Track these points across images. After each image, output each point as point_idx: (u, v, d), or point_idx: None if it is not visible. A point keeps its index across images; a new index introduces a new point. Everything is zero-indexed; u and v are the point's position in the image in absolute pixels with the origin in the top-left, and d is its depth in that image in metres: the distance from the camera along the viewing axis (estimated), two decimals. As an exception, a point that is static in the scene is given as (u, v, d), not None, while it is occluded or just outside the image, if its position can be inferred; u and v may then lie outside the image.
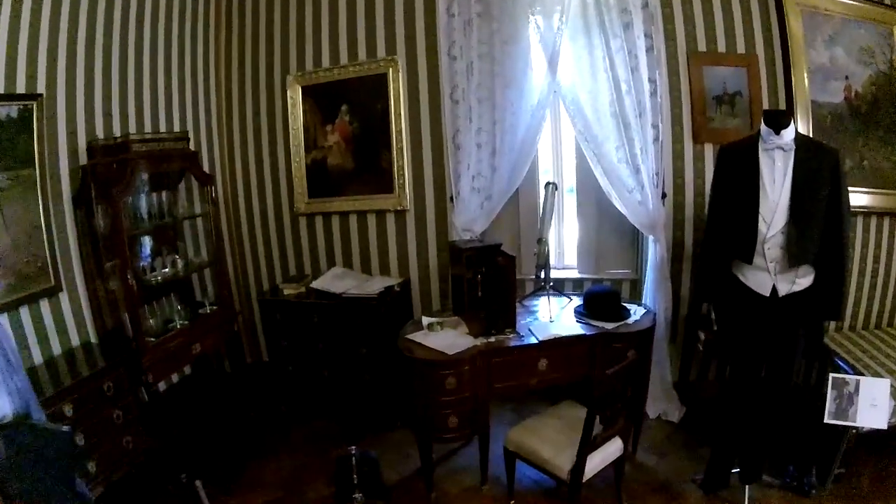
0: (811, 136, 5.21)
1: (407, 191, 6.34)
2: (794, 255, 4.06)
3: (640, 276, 5.88)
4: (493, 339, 4.71)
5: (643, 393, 5.25)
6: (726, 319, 4.67)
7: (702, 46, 5.56)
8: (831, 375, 4.16)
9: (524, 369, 4.69)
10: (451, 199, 5.95)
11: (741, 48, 5.54)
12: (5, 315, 4.47)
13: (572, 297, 5.60)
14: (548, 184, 5.45)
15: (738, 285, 4.32)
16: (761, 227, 4.09)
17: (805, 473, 4.55)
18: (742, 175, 4.18)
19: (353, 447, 4.76)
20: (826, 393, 4.16)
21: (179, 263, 5.71)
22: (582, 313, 5.04)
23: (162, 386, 5.86)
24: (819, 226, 4.05)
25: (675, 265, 5.83)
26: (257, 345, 7.38)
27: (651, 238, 5.50)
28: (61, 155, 5.04)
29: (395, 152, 6.28)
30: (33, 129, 4.70)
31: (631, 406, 4.39)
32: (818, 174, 4.01)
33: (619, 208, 5.53)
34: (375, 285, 6.07)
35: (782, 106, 5.51)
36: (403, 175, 6.31)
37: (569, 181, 6.30)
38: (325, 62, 6.50)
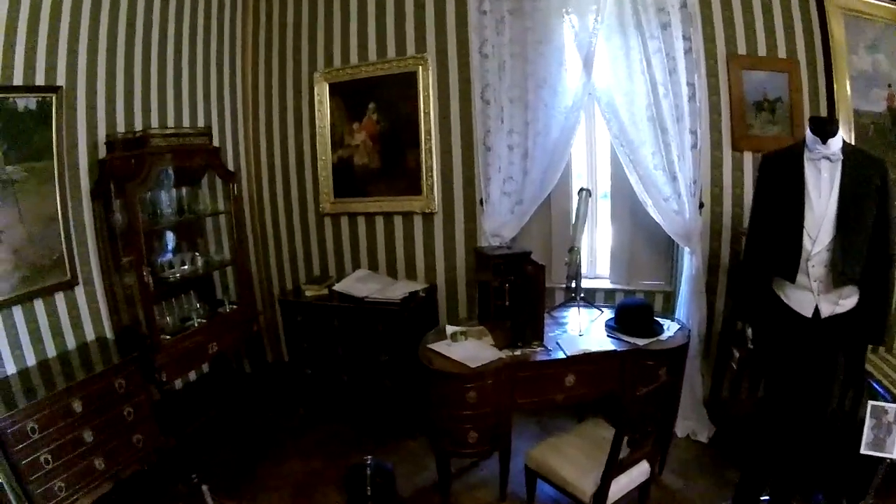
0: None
1: (435, 193, 6.12)
2: (839, 274, 3.75)
3: (675, 288, 5.59)
4: (518, 352, 4.47)
5: (673, 414, 4.97)
6: (764, 339, 4.33)
7: (741, 49, 5.26)
8: (870, 403, 3.80)
9: (550, 384, 4.44)
10: (481, 202, 5.71)
11: (782, 52, 5.23)
12: (19, 307, 4.53)
13: (603, 309, 5.34)
14: (581, 190, 5.21)
15: (778, 305, 4.01)
16: (806, 242, 3.79)
17: (835, 503, 4.27)
18: (786, 186, 3.89)
19: (369, 456, 4.62)
20: (863, 420, 3.80)
21: (199, 261, 5.71)
22: (613, 327, 4.78)
23: (178, 384, 5.92)
24: (866, 242, 3.75)
25: (711, 278, 5.53)
26: (279, 345, 7.19)
27: (686, 249, 5.20)
28: (80, 148, 5.00)
29: (423, 153, 6.06)
30: (52, 121, 4.67)
31: (660, 428, 4.10)
32: (866, 186, 3.71)
33: (655, 217, 5.25)
34: (399, 290, 5.83)
35: (823, 114, 5.17)
36: (432, 176, 6.09)
37: (603, 187, 6.00)
38: (354, 59, 6.32)
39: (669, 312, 5.53)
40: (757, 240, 4.14)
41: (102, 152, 5.14)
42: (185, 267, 5.54)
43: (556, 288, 5.90)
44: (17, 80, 4.49)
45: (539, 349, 4.50)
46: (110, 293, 5.22)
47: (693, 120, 5.01)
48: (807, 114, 5.16)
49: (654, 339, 4.57)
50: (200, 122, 6.27)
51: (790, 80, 5.21)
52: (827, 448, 4.23)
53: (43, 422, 3.90)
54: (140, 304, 5.01)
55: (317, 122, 6.49)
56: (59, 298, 4.84)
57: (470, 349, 4.54)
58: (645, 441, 3.86)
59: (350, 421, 6.01)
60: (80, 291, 5.00)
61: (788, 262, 3.86)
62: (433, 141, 6.03)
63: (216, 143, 6.20)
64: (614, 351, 4.46)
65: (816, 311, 3.85)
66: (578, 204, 5.13)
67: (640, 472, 3.99)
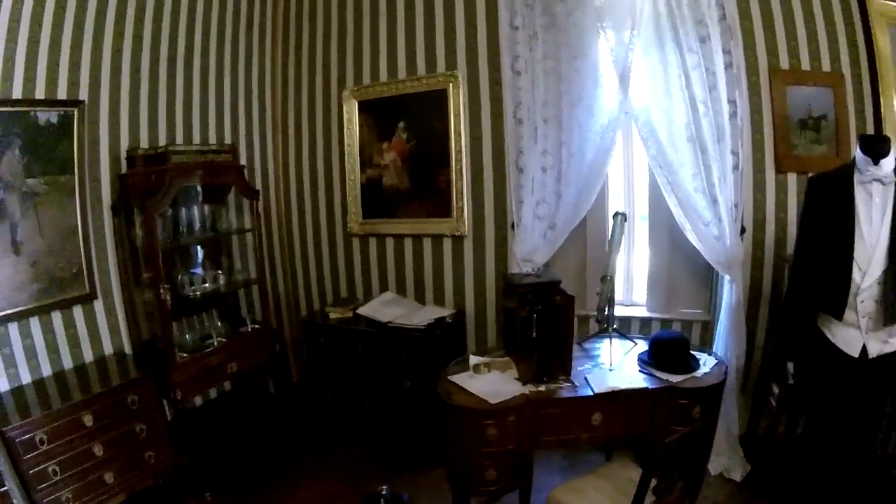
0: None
1: (465, 215, 5.83)
2: (891, 311, 3.40)
3: (713, 317, 5.18)
4: (543, 388, 4.10)
5: (706, 456, 4.48)
6: (806, 378, 3.99)
7: (783, 63, 4.89)
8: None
9: (576, 423, 4.05)
10: (512, 226, 5.40)
11: (826, 66, 4.84)
12: (37, 318, 4.55)
13: (637, 340, 4.93)
14: (616, 214, 4.83)
15: (823, 342, 3.67)
16: (855, 275, 3.47)
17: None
18: (834, 212, 3.56)
19: (384, 486, 4.47)
20: None
21: (221, 279, 5.62)
22: (646, 361, 4.37)
23: (199, 400, 5.92)
24: None
25: (752, 309, 5.12)
26: (304, 366, 6.92)
27: (727, 278, 4.82)
28: (102, 162, 5.00)
29: (453, 173, 5.79)
30: (73, 135, 4.68)
31: (691, 472, 3.71)
32: (922, 213, 3.33)
33: (694, 243, 4.89)
34: (425, 315, 5.59)
35: (870, 131, 4.77)
36: (462, 198, 5.81)
37: (641, 210, 5.67)
38: (383, 76, 6.09)
39: (707, 344, 5.17)
40: (802, 271, 3.81)
41: (125, 167, 5.12)
42: (207, 285, 5.43)
43: (590, 316, 5.56)
44: (39, 93, 4.48)
45: (565, 384, 4.13)
46: (130, 308, 5.18)
47: (734, 139, 4.66)
48: (853, 132, 4.80)
49: (689, 375, 4.16)
50: (228, 139, 6.16)
51: (835, 96, 4.82)
52: (868, 493, 3.88)
53: (52, 433, 3.89)
54: (157, 322, 4.94)
55: (345, 140, 6.29)
56: (78, 311, 4.82)
57: (492, 383, 4.21)
58: (673, 487, 3.48)
59: (370, 447, 5.75)
60: (98, 305, 4.96)
61: (835, 296, 3.53)
62: (464, 161, 5.75)
63: (244, 160, 6.23)
64: (645, 389, 4.07)
65: (864, 350, 3.50)
66: (613, 229, 4.77)
67: (666, 516, 3.62)
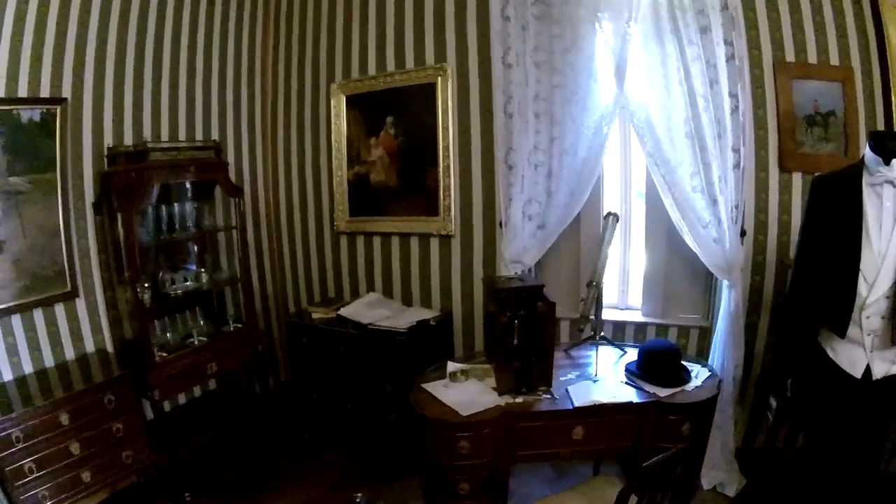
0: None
1: (453, 214, 5.46)
2: None
3: (712, 323, 4.79)
4: (520, 399, 3.75)
5: (695, 473, 4.27)
6: (804, 398, 3.64)
7: (790, 56, 4.49)
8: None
9: (555, 437, 3.70)
10: (501, 225, 5.03)
11: (834, 59, 4.46)
12: (18, 316, 4.44)
13: (627, 348, 4.54)
14: (608, 214, 4.52)
15: (823, 360, 3.29)
16: (861, 288, 3.07)
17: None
18: (840, 217, 3.16)
19: (359, 494, 4.14)
20: None
21: (204, 277, 5.41)
22: (633, 373, 3.99)
23: (182, 399, 5.74)
24: None
25: (752, 316, 4.75)
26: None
27: (726, 283, 4.43)
28: (86, 160, 4.85)
29: (441, 170, 5.43)
30: (56, 133, 4.57)
31: (678, 491, 3.29)
32: (938, 219, 2.94)
33: (691, 246, 4.52)
34: (408, 318, 5.26)
35: (881, 129, 4.37)
36: (450, 196, 5.44)
37: (637, 209, 5.29)
38: (372, 70, 5.74)
39: (706, 352, 4.79)
40: (803, 282, 3.42)
41: (107, 164, 4.96)
42: (189, 283, 5.25)
43: (587, 319, 5.06)
44: (22, 91, 4.38)
45: (545, 396, 3.78)
46: (112, 306, 5.03)
47: (736, 136, 4.28)
48: (863, 129, 4.42)
49: (679, 389, 3.78)
50: (215, 135, 5.88)
51: (845, 91, 4.44)
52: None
53: (29, 431, 3.82)
54: (136, 321, 4.83)
55: (333, 136, 5.94)
56: (60, 309, 4.69)
57: (467, 392, 3.88)
58: (660, 504, 3.14)
59: (353, 451, 5.48)
60: (80, 303, 4.83)
61: (838, 311, 3.14)
62: (451, 158, 5.39)
63: (232, 156, 6.03)
64: (630, 403, 3.70)
65: (868, 371, 3.11)
66: (604, 230, 4.44)
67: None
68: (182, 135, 5.57)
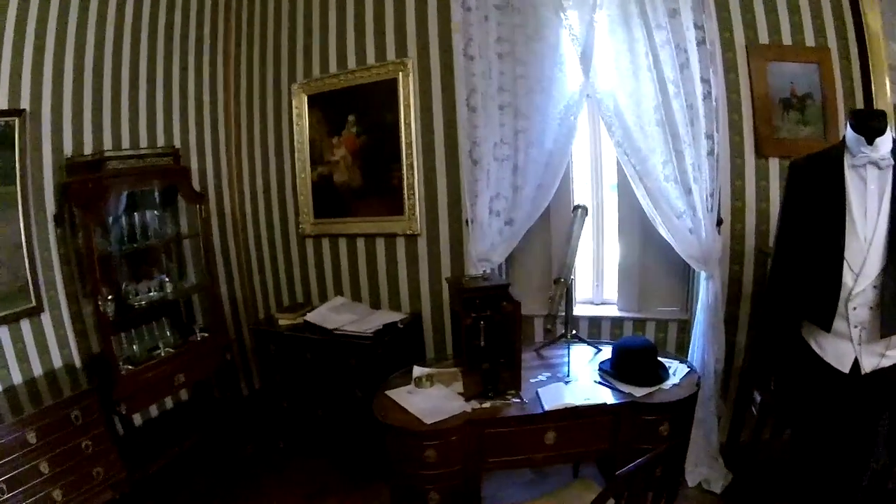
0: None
1: (418, 213, 5.15)
2: (888, 319, 2.73)
3: (691, 315, 4.51)
4: (488, 404, 3.44)
5: (678, 475, 3.95)
6: (789, 394, 3.38)
7: (763, 38, 4.27)
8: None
9: (527, 443, 3.40)
10: (467, 223, 4.70)
11: (810, 40, 4.24)
12: None
13: (602, 346, 4.23)
14: (576, 207, 4.24)
15: (808, 356, 3.01)
16: (846, 278, 2.80)
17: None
18: (821, 202, 2.89)
19: None
20: None
21: (168, 286, 5.09)
22: (607, 372, 3.69)
23: (154, 412, 5.37)
24: None
25: (731, 307, 4.51)
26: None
27: (703, 274, 4.17)
28: (46, 172, 4.57)
29: (405, 168, 5.12)
30: (15, 145, 4.30)
31: (660, 492, 3.02)
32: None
33: (666, 237, 4.23)
34: (375, 321, 4.96)
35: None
36: (414, 195, 5.13)
37: (609, 200, 5.03)
38: (333, 68, 5.42)
39: (685, 345, 4.56)
40: (783, 273, 3.15)
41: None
42: (153, 293, 4.95)
43: (556, 317, 4.65)
44: None
45: (514, 401, 3.48)
46: (78, 320, 4.74)
47: (709, 122, 4.00)
48: (842, 111, 4.21)
49: (656, 388, 3.49)
50: (178, 142, 5.54)
51: (822, 73, 4.23)
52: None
53: None
54: (99, 334, 4.60)
55: (295, 137, 5.61)
56: (25, 325, 4.40)
57: (432, 399, 3.59)
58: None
59: (328, 458, 5.18)
60: (46, 318, 4.53)
61: (823, 304, 2.87)
62: (415, 155, 5.09)
63: (195, 161, 5.72)
64: (604, 405, 3.39)
65: (856, 364, 2.87)
66: (572, 224, 4.14)
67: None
68: (143, 142, 5.25)
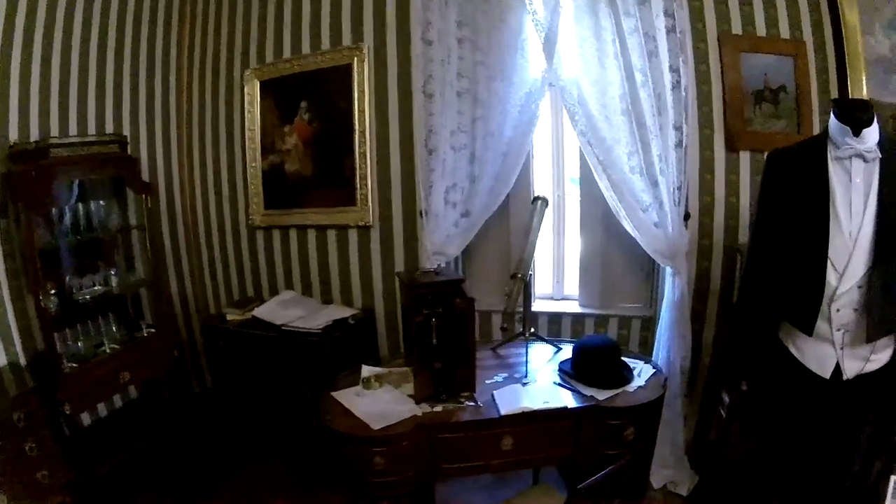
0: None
1: (370, 204, 4.82)
2: (875, 322, 2.57)
3: (656, 312, 4.29)
4: (439, 408, 3.19)
5: (643, 479, 3.86)
6: (762, 400, 3.18)
7: (736, 28, 4.04)
8: (893, 479, 2.75)
9: (482, 448, 3.16)
10: (422, 214, 4.40)
11: (785, 32, 4.04)
12: None
13: (562, 345, 3.97)
14: (535, 198, 3.99)
15: (785, 359, 2.81)
16: (830, 277, 2.60)
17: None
18: (802, 197, 2.66)
19: None
20: (885, 495, 2.76)
21: (114, 280, 4.71)
22: (568, 373, 3.42)
23: (103, 411, 4.95)
24: None
25: (698, 304, 4.28)
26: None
27: (669, 269, 3.95)
28: None
29: (357, 157, 4.77)
30: None
31: (625, 498, 2.79)
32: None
33: (630, 231, 4.00)
34: (324, 317, 4.64)
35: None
36: (367, 185, 4.80)
37: (571, 192, 4.87)
38: (287, 53, 5.06)
39: (649, 343, 4.37)
40: (759, 272, 2.92)
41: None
42: (97, 288, 4.58)
43: (515, 313, 4.38)
44: None
45: (468, 404, 3.21)
46: (23, 317, 4.36)
47: (678, 113, 3.78)
48: (816, 105, 4.04)
49: (620, 390, 3.25)
50: (128, 129, 5.18)
51: (797, 65, 4.05)
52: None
53: None
54: (40, 330, 4.25)
55: (247, 124, 5.23)
56: None
57: (380, 402, 3.31)
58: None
59: (282, 460, 4.86)
60: None
61: (804, 305, 2.65)
62: (368, 143, 4.75)
63: (145, 149, 5.38)
64: (564, 409, 3.13)
65: (837, 369, 2.66)
66: (531, 216, 3.87)
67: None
68: (92, 129, 4.88)
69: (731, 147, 4.09)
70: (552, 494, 3.18)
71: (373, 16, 4.67)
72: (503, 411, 3.07)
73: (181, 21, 5.57)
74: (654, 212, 3.89)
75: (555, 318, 4.63)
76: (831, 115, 2.62)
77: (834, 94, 4.04)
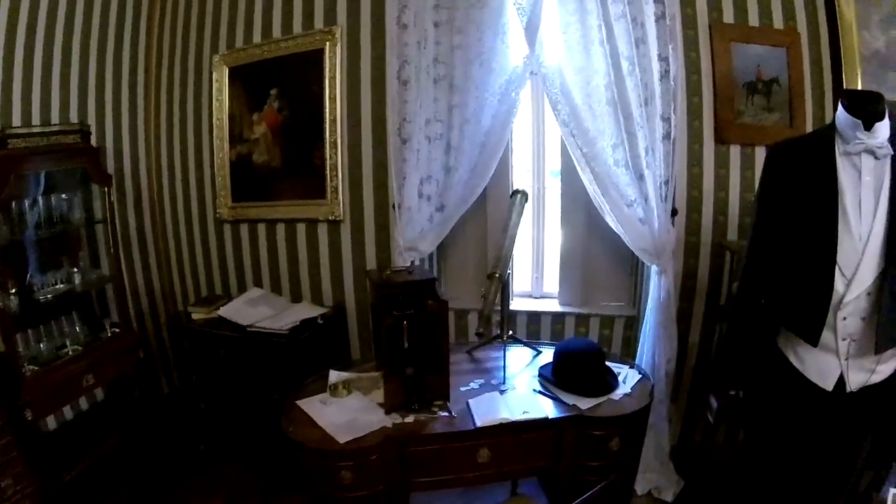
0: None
1: (341, 196, 4.52)
2: (885, 332, 2.29)
3: (640, 311, 4.07)
4: (411, 418, 2.88)
5: (629, 484, 3.46)
6: (757, 411, 2.88)
7: (728, 17, 3.83)
8: (892, 492, 2.72)
9: (457, 461, 2.86)
10: (394, 207, 4.13)
11: (778, 23, 3.83)
12: None
13: (542, 348, 3.67)
14: (515, 192, 3.68)
15: (784, 369, 2.55)
16: (837, 283, 2.32)
17: None
18: (808, 195, 2.40)
19: None
20: None
21: (76, 278, 4.40)
22: (548, 379, 3.12)
23: (69, 414, 4.66)
24: None
25: (684, 303, 4.07)
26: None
27: (655, 268, 3.71)
28: None
29: (328, 147, 4.46)
30: None
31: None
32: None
33: (614, 227, 3.76)
34: (292, 317, 4.34)
35: (829, 99, 3.85)
36: (337, 176, 4.49)
37: (552, 185, 4.60)
38: (257, 37, 4.73)
39: (632, 344, 4.16)
40: (758, 275, 2.65)
41: None
42: (59, 286, 4.29)
43: (492, 314, 4.20)
44: None
45: (441, 414, 2.92)
46: None
47: (665, 104, 3.54)
48: (809, 98, 3.86)
49: (604, 398, 2.97)
50: (93, 120, 4.83)
51: (790, 57, 3.87)
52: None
53: None
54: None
55: (214, 113, 4.90)
56: None
57: (347, 411, 3.01)
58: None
59: (250, 464, 4.56)
60: None
61: (809, 314, 2.39)
62: (339, 133, 4.44)
63: (110, 140, 5.01)
64: (545, 419, 2.85)
65: (841, 380, 2.40)
66: (510, 210, 3.58)
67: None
68: (56, 119, 4.58)
69: (721, 140, 3.88)
70: (532, 504, 2.87)
71: (346, -3, 4.35)
72: (479, 423, 2.78)
73: (151, 6, 5.23)
74: (639, 207, 3.66)
75: (533, 317, 4.41)
76: (839, 107, 2.33)
77: (828, 86, 3.85)
